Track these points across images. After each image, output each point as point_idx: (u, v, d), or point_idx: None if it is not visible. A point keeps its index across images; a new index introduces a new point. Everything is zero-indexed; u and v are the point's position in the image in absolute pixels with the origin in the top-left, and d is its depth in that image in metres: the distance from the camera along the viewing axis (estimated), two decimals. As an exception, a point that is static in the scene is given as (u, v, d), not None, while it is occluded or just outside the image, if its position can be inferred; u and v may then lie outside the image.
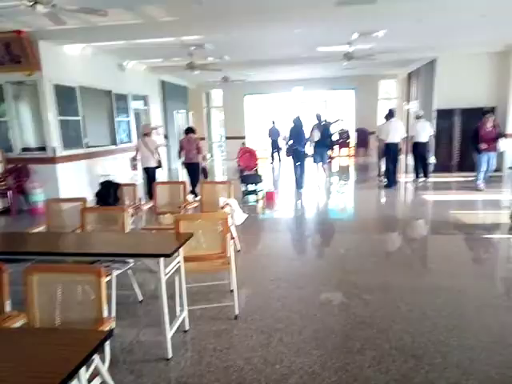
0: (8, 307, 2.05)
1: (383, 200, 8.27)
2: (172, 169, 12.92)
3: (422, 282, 3.82)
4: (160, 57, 9.44)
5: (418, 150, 8.74)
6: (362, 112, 14.78)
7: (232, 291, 3.34)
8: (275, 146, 14.17)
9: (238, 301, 3.20)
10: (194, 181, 7.75)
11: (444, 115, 10.10)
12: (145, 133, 7.84)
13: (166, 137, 12.49)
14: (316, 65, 10.96)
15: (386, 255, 4.75)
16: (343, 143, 15.05)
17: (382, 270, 4.14)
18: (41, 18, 4.95)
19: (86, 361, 1.46)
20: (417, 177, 9.02)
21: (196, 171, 7.78)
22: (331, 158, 13.20)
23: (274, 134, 14.07)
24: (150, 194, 6.64)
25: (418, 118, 8.92)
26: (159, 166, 7.80)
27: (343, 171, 12.77)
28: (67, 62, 7.81)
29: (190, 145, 7.64)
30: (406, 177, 9.94)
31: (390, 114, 8.45)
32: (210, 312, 3.24)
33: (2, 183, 7.16)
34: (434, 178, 9.24)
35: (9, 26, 6.16)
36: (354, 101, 15.08)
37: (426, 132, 8.64)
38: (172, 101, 13.09)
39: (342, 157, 15.14)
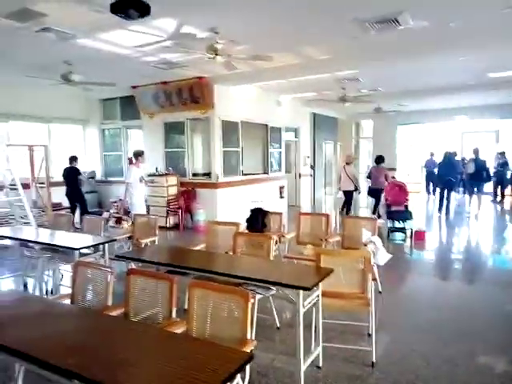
0: (174, 314, 2.43)
1: None
2: (317, 197, 13.16)
3: None
4: (313, 91, 9.89)
5: None
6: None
7: (370, 335, 3.18)
8: (431, 179, 13.12)
9: (375, 347, 3.04)
10: (376, 204, 9.14)
11: None
12: (347, 162, 9.66)
13: (312, 167, 12.84)
14: (485, 92, 9.76)
15: None
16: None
17: None
18: (218, 65, 5.87)
19: (231, 377, 1.63)
20: None
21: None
22: (503, 195, 11.58)
23: (430, 165, 13.07)
24: (347, 211, 9.35)
25: None
26: (356, 189, 9.40)
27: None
28: (233, 100, 8.93)
29: (379, 173, 8.89)
30: None
31: None
32: (344, 353, 3.16)
33: (176, 203, 8.52)
34: None
35: (193, 73, 7.46)
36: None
37: None
38: (321, 132, 13.46)
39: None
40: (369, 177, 9.50)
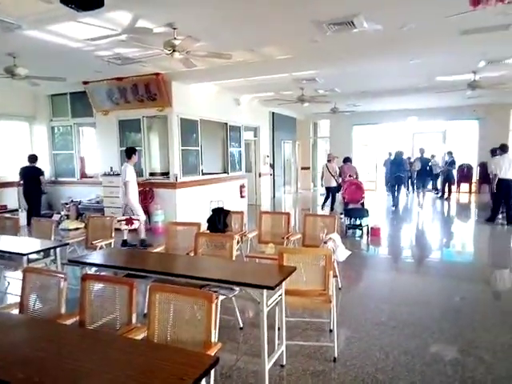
0: (134, 319, 2.32)
1: (501, 241, 7.37)
2: (277, 196, 13.29)
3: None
4: (272, 91, 9.97)
5: None
6: (487, 145, 13.27)
7: (331, 331, 3.24)
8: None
9: (337, 342, 3.10)
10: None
11: None
12: (328, 160, 10.35)
13: (271, 166, 12.95)
14: (434, 94, 10.33)
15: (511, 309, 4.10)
16: (464, 178, 13.72)
17: (509, 330, 3.58)
18: (175, 62, 5.72)
19: (196, 382, 1.57)
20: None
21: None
22: (450, 192, 12.38)
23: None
24: (331, 206, 10.27)
25: None
26: (339, 185, 9.75)
27: (459, 206, 11.79)
28: (192, 98, 8.77)
29: (351, 170, 9.32)
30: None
31: (503, 149, 8.30)
32: (307, 350, 3.19)
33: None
34: None
35: (149, 69, 7.23)
36: (477, 132, 13.69)
37: None
38: (280, 131, 13.62)
39: (463, 193, 13.78)
40: (340, 175, 9.88)
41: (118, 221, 6.19)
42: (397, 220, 9.87)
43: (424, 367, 2.93)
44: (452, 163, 12.78)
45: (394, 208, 10.96)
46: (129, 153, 6.75)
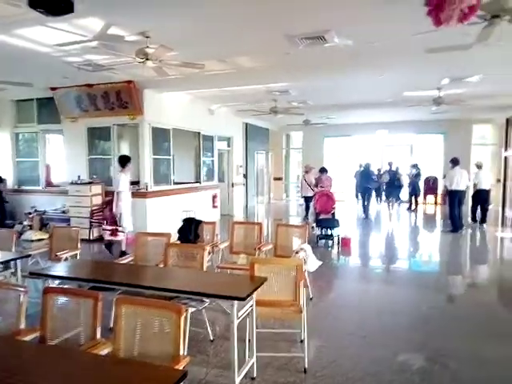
0: (99, 334, 2.23)
1: (460, 248, 7.97)
2: (249, 206, 13.28)
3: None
4: (246, 101, 10.03)
5: (481, 196, 9.47)
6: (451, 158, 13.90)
7: (302, 341, 3.24)
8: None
9: (307, 353, 3.09)
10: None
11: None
12: (306, 171, 10.64)
13: (244, 176, 12.97)
14: (402, 108, 10.74)
15: (475, 318, 4.23)
16: (429, 190, 14.25)
17: (472, 337, 3.69)
18: (148, 70, 5.66)
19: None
20: (474, 222, 9.75)
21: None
22: (416, 203, 12.81)
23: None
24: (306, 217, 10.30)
25: (479, 167, 9.67)
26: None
27: (426, 217, 12.27)
28: (165, 107, 8.69)
29: (328, 181, 9.65)
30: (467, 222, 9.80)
31: (454, 162, 8.88)
32: (278, 361, 3.17)
33: (100, 214, 7.99)
34: None
35: (121, 76, 7.11)
36: (442, 146, 14.29)
37: (488, 180, 9.63)
38: (253, 142, 13.70)
39: (428, 204, 14.28)
40: (315, 185, 10.02)
41: (103, 229, 6.03)
42: (366, 230, 10.08)
43: (393, 376, 2.97)
44: (417, 175, 13.26)
45: (364, 218, 11.32)
46: (123, 161, 6.52)
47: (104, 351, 2.11)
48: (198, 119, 9.96)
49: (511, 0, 3.37)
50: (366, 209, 11.52)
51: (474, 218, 9.80)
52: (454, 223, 8.88)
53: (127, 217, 6.51)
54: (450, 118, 12.64)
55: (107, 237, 6.18)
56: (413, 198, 13.28)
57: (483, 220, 9.53)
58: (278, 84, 7.86)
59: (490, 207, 10.05)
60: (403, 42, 5.16)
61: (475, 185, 9.56)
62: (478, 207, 9.61)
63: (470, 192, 10.14)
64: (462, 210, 9.03)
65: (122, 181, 6.40)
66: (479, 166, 9.68)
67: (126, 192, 6.43)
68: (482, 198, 9.47)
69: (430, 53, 5.50)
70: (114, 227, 6.23)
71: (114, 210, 6.56)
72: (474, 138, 14.04)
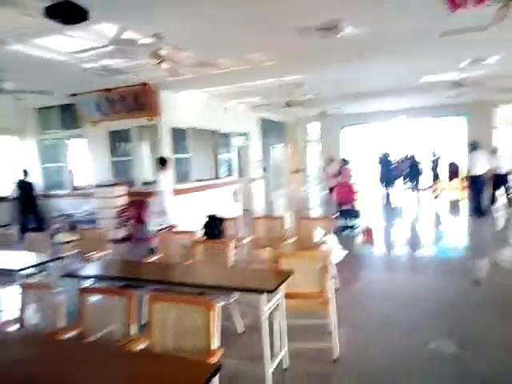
0: (133, 330, 2.32)
1: (486, 235, 7.71)
2: (270, 200, 13.30)
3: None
4: (260, 96, 10.02)
5: (500, 180, 9.28)
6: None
7: (331, 332, 3.26)
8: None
9: (337, 343, 3.11)
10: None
11: None
12: (327, 162, 10.91)
13: (264, 170, 12.99)
14: (420, 94, 10.50)
15: (504, 302, 4.12)
16: (453, 175, 13.92)
17: (503, 323, 3.63)
18: (162, 71, 5.74)
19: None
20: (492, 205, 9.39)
21: None
22: (437, 188, 12.90)
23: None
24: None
25: (494, 152, 9.45)
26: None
27: (448, 203, 12.08)
28: (181, 106, 8.79)
29: (348, 172, 9.28)
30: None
31: (473, 147, 8.77)
32: (308, 352, 3.20)
33: (126, 214, 8.19)
34: None
35: (137, 79, 7.23)
36: (465, 129, 13.89)
37: (507, 163, 9.36)
38: (270, 136, 13.68)
39: (452, 190, 13.96)
40: (337, 175, 9.87)
41: (159, 230, 6.26)
42: (390, 218, 9.96)
43: (424, 363, 2.97)
44: (437, 161, 13.03)
45: (387, 204, 11.57)
46: (161, 163, 6.85)
47: (140, 346, 2.20)
48: (214, 117, 10.02)
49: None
50: (388, 196, 11.88)
51: (492, 203, 9.51)
52: (478, 208, 8.75)
53: (172, 213, 6.72)
54: (470, 100, 12.23)
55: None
56: (434, 183, 13.06)
57: (510, 203, 9.46)
58: (291, 77, 7.81)
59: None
60: (417, 26, 5.06)
61: (493, 169, 9.22)
62: (496, 192, 9.40)
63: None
64: (485, 194, 8.89)
65: (163, 181, 6.65)
66: (494, 151, 9.57)
67: (167, 190, 6.64)
68: (500, 182, 9.32)
69: (444, 36, 5.36)
70: (169, 225, 6.36)
71: (155, 208, 6.78)
72: (498, 120, 13.57)
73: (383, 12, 4.53)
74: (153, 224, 8.00)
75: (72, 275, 3.51)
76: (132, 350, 2.12)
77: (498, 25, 3.91)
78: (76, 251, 4.78)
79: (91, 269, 3.63)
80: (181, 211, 8.38)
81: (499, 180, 9.26)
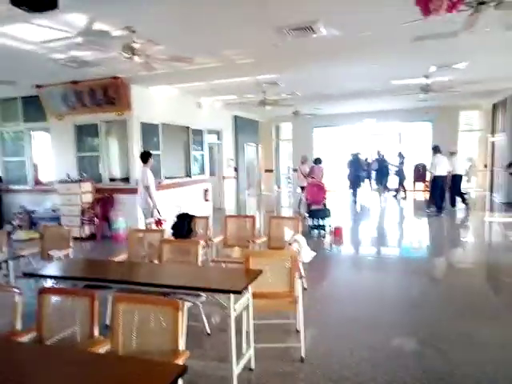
0: (96, 332, 2.24)
1: (448, 234, 8.16)
2: (241, 199, 13.29)
3: None
4: (235, 93, 9.98)
5: (455, 181, 10.10)
6: (439, 145, 14.00)
7: (298, 331, 3.28)
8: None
9: (304, 342, 3.14)
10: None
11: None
12: (302, 162, 10.59)
13: (235, 169, 12.95)
14: (390, 97, 10.79)
15: (464, 301, 4.31)
16: (419, 178, 14.41)
17: (462, 319, 3.79)
18: (135, 65, 5.59)
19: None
20: (453, 206, 10.31)
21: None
22: (404, 190, 13.24)
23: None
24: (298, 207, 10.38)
25: (452, 153, 10.30)
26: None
27: (412, 203, 12.60)
28: (153, 101, 8.61)
29: (319, 171, 9.64)
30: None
31: (436, 150, 9.81)
32: (275, 351, 3.21)
33: (91, 211, 7.93)
34: None
35: (107, 72, 7.01)
36: (430, 133, 14.40)
37: (462, 166, 10.39)
38: (243, 134, 13.65)
39: (418, 191, 14.45)
40: (308, 175, 10.07)
41: (147, 223, 6.12)
42: (358, 219, 10.19)
43: (388, 361, 3.04)
44: (402, 163, 13.54)
45: (354, 203, 12.13)
46: (145, 157, 6.64)
47: (103, 349, 2.12)
48: (187, 113, 9.89)
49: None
50: (355, 195, 12.52)
51: (452, 203, 10.34)
52: (437, 205, 9.61)
53: (159, 208, 6.56)
54: (437, 105, 12.73)
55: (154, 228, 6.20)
56: (400, 185, 13.49)
57: (464, 201, 10.20)
58: (266, 76, 7.82)
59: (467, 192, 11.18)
60: (390, 31, 5.18)
61: (450, 171, 10.22)
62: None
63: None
64: (445, 193, 9.80)
65: (150, 175, 6.52)
66: (453, 153, 10.36)
67: (152, 185, 6.55)
68: (456, 182, 10.16)
69: (417, 41, 5.54)
70: (157, 218, 6.20)
71: (140, 204, 6.63)
72: (461, 125, 14.16)
73: (360, 16, 4.60)
74: (120, 222, 7.83)
75: (31, 275, 3.36)
76: (94, 353, 2.05)
77: (468, 31, 4.06)
78: (36, 250, 4.57)
79: (52, 268, 3.48)
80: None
81: (456, 181, 10.14)
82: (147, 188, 6.41)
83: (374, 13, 4.52)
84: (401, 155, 13.55)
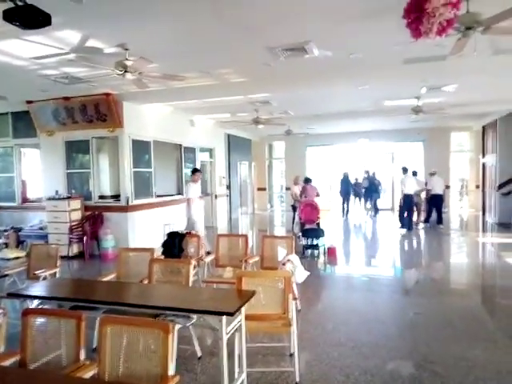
0: (82, 355, 2.13)
1: (443, 255, 8.04)
2: (233, 218, 13.19)
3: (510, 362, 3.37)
4: (227, 112, 10.03)
5: (435, 200, 10.64)
6: (431, 165, 14.14)
7: (292, 355, 3.18)
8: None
9: (298, 366, 3.04)
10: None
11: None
12: (294, 182, 10.58)
13: (228, 187, 12.91)
14: (382, 117, 10.96)
15: (460, 323, 4.25)
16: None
17: (458, 343, 3.71)
18: (127, 82, 5.59)
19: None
20: (426, 223, 10.93)
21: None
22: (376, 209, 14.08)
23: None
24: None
25: (432, 174, 10.98)
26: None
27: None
28: (144, 118, 8.60)
29: (312, 191, 9.56)
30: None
31: (405, 170, 10.53)
32: (268, 376, 3.10)
33: (80, 229, 7.77)
34: None
35: (99, 89, 7.00)
36: (422, 153, 14.59)
37: (440, 186, 10.77)
38: (236, 153, 13.69)
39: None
40: (300, 195, 9.98)
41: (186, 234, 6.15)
42: (351, 238, 10.15)
43: (384, 385, 2.95)
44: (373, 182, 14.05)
45: (344, 219, 13.12)
46: (192, 172, 7.61)
47: (89, 374, 2.02)
48: (179, 131, 9.89)
49: (483, 13, 3.49)
50: (345, 211, 13.74)
51: (427, 220, 10.92)
52: (403, 222, 10.19)
53: (200, 221, 7.11)
54: (428, 126, 12.95)
55: None
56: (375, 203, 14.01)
57: (439, 221, 10.65)
58: (259, 95, 7.89)
59: (446, 210, 12.05)
60: (381, 53, 5.28)
61: (429, 190, 10.79)
62: (434, 210, 10.77)
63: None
64: (413, 211, 10.51)
65: (190, 189, 7.19)
66: (432, 174, 10.97)
67: (194, 199, 7.06)
68: (436, 201, 10.67)
69: (407, 63, 5.65)
70: (188, 231, 6.14)
71: (186, 215, 7.21)
72: (452, 146, 14.40)
73: (352, 38, 4.70)
74: (109, 240, 7.67)
75: (16, 295, 3.23)
76: (79, 378, 1.95)
77: (457, 55, 4.15)
78: (22, 268, 4.42)
79: (38, 288, 3.35)
80: (140, 228, 8.11)
81: (435, 200, 10.65)
82: (188, 201, 7.09)
83: (364, 35, 4.61)
84: (373, 175, 14.09)
